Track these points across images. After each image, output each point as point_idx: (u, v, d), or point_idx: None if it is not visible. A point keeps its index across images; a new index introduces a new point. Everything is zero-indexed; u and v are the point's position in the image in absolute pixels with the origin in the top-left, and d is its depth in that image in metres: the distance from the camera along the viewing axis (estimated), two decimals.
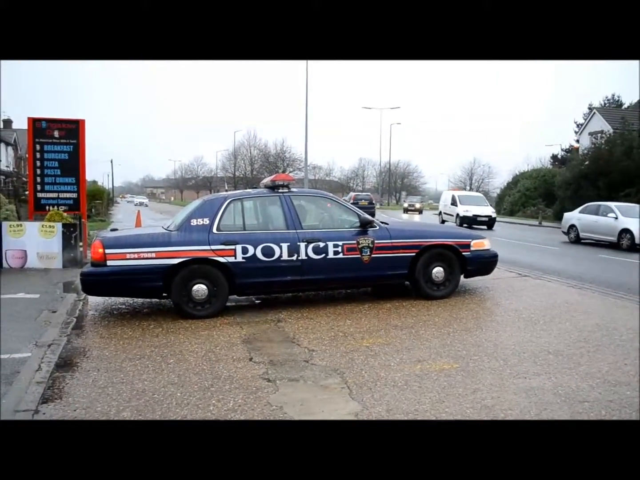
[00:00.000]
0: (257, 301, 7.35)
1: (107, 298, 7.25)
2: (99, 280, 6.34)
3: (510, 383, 4.32)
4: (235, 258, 6.50)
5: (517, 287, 8.51)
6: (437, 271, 7.42)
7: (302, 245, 6.80)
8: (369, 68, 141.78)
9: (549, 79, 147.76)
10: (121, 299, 7.21)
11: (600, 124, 38.11)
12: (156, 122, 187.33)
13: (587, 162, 30.09)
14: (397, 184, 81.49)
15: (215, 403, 3.87)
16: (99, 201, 27.34)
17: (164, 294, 6.50)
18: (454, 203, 26.32)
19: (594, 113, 40.80)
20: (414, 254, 7.30)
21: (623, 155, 27.43)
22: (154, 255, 6.29)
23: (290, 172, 51.62)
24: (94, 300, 7.21)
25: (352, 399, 3.97)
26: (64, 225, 9.97)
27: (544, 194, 37.78)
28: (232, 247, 6.51)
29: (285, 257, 6.71)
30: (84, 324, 6.05)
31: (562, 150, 53.80)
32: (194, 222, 6.60)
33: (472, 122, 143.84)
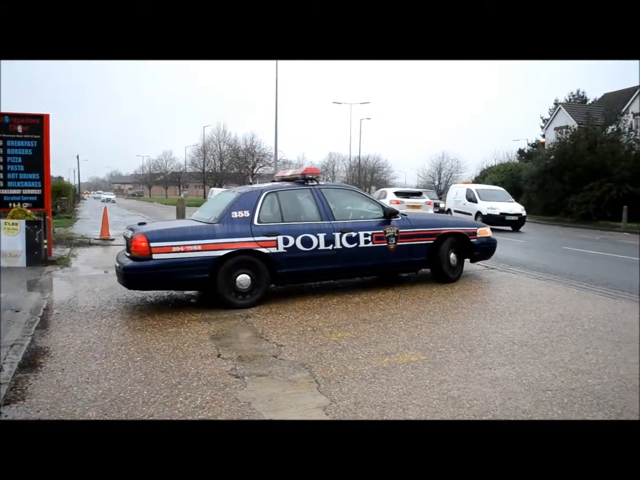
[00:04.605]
0: None
1: (72, 297, 7.14)
2: (145, 274, 6.37)
3: (476, 374, 4.39)
4: (277, 249, 6.78)
5: (484, 279, 8.65)
6: (453, 257, 8.18)
7: (337, 235, 7.20)
8: (339, 63, 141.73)
9: (517, 74, 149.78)
10: (86, 297, 7.10)
11: (565, 119, 38.90)
12: (124, 116, 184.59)
13: (552, 157, 30.64)
14: (366, 178, 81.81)
15: (182, 400, 3.84)
16: (65, 198, 26.80)
17: (208, 286, 6.60)
18: (472, 199, 22.38)
19: (560, 108, 41.63)
20: (431, 242, 8.00)
21: (587, 150, 28.00)
22: (199, 247, 6.41)
23: (260, 167, 51.30)
24: (59, 298, 7.08)
25: (320, 393, 3.99)
26: (27, 223, 9.74)
27: (511, 187, 38.44)
28: (274, 238, 6.78)
29: (322, 247, 7.08)
30: (48, 323, 5.93)
31: (528, 145, 54.78)
32: (234, 214, 6.77)
33: (441, 118, 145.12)
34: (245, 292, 6.62)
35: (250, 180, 51.79)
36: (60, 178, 51.80)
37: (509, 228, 20.59)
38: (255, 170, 51.59)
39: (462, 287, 7.92)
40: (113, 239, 14.12)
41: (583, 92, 55.21)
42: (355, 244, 7.32)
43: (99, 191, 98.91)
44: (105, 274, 8.94)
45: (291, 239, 6.87)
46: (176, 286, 6.98)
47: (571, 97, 54.56)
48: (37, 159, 10.30)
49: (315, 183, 7.66)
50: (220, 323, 5.91)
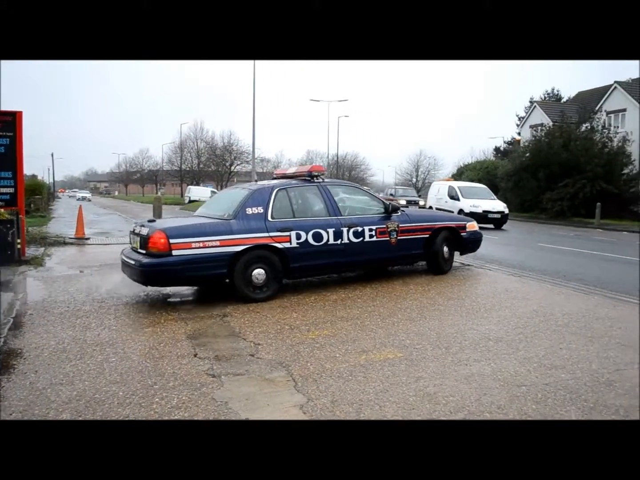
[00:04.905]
0: (202, 296, 7.26)
1: (46, 297, 7.03)
2: (164, 271, 6.42)
3: (452, 370, 4.43)
4: (290, 244, 7.04)
5: (460, 276, 8.72)
6: (445, 250, 8.73)
7: (345, 230, 7.54)
8: (316, 61, 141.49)
9: (494, 73, 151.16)
10: (60, 298, 6.99)
11: (540, 117, 39.38)
12: (99, 113, 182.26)
13: (528, 154, 31.09)
14: (345, 176, 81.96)
15: (158, 401, 3.81)
16: (39, 196, 26.32)
17: (226, 280, 6.75)
18: (453, 197, 22.22)
19: (535, 107, 42.10)
20: (427, 236, 8.48)
21: (561, 148, 28.46)
22: (218, 243, 6.56)
23: (237, 164, 50.96)
24: (33, 299, 6.97)
25: (298, 391, 3.99)
26: (0, 222, 9.58)
27: (487, 185, 38.88)
28: (287, 233, 7.04)
29: (331, 241, 7.40)
30: (21, 324, 5.83)
31: (504, 142, 55.43)
32: (249, 210, 6.96)
33: (418, 115, 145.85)
34: (261, 286, 6.82)
35: (231, 179, 51.60)
36: (34, 176, 50.98)
37: (491, 226, 20.42)
38: (233, 168, 51.29)
39: (438, 284, 7.98)
40: (88, 238, 13.95)
41: (558, 91, 56.05)
42: (361, 239, 7.67)
43: (74, 189, 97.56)
44: (80, 274, 8.82)
45: (303, 234, 7.14)
46: (195, 282, 7.12)
47: (546, 96, 55.31)
48: (10, 157, 10.10)
49: (321, 180, 7.94)
50: (197, 322, 5.87)
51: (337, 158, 59.64)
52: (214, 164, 52.70)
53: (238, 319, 5.99)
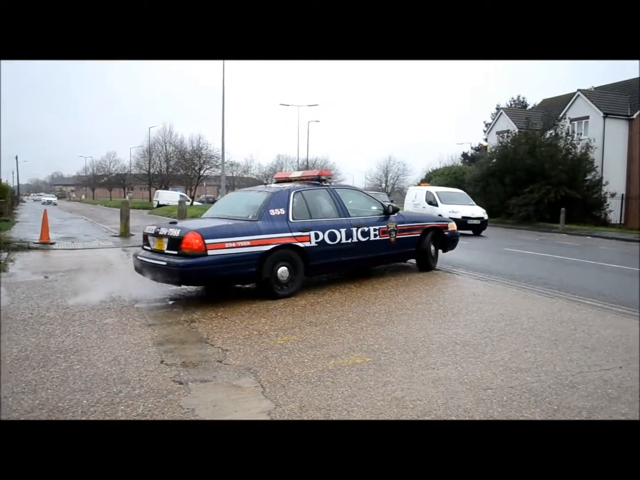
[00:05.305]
0: (170, 302, 7.18)
1: (8, 303, 6.85)
2: (201, 270, 6.65)
3: (420, 374, 4.46)
4: (310, 243, 7.54)
5: (428, 281, 8.80)
6: (432, 248, 9.59)
7: (354, 230, 8.15)
8: (286, 65, 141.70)
9: (462, 79, 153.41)
10: (23, 304, 6.83)
11: (506, 123, 40.04)
12: (65, 116, 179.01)
13: (494, 160, 31.57)
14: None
15: (123, 409, 3.75)
16: (3, 200, 25.72)
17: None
18: (431, 202, 21.36)
19: (501, 113, 42.81)
20: (419, 235, 9.28)
21: (527, 154, 29.00)
22: (248, 243, 6.92)
23: (207, 169, 50.46)
24: None
25: (265, 397, 3.97)
26: None
27: None
28: (307, 233, 7.55)
29: (344, 240, 7.99)
30: None
31: (472, 148, 56.28)
32: (272, 212, 7.41)
33: (388, 121, 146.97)
34: (285, 283, 7.29)
35: (200, 183, 51.11)
36: None
37: (470, 232, 19.82)
38: (202, 172, 50.79)
39: (406, 289, 8.04)
40: (53, 243, 13.67)
41: (523, 98, 57.17)
42: (367, 238, 8.33)
43: (39, 193, 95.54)
44: (45, 279, 8.63)
45: (321, 234, 7.69)
46: (228, 280, 7.39)
47: (512, 103, 56.37)
48: None
49: (328, 184, 8.66)
50: (164, 328, 5.80)
51: (307, 163, 59.65)
52: (183, 168, 52.04)
53: (206, 325, 5.93)
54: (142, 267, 7.20)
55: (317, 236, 7.62)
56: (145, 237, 7.61)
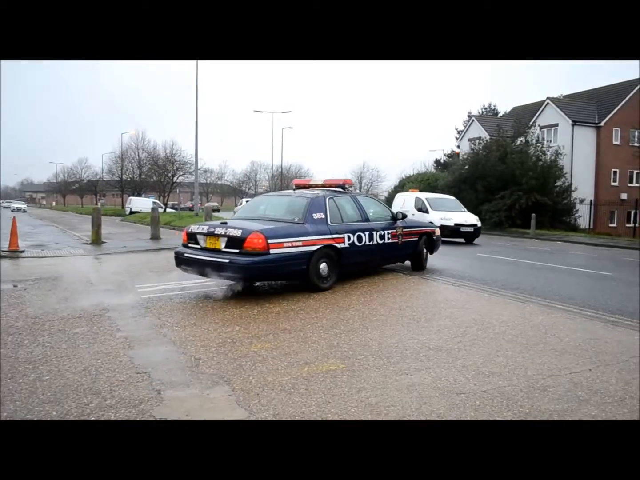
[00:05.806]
0: (142, 310, 7.08)
1: None
2: (264, 267, 7.39)
3: (393, 380, 4.48)
4: (344, 244, 8.51)
5: (401, 287, 8.86)
6: (425, 251, 10.79)
7: (374, 233, 9.20)
8: (260, 71, 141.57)
9: (435, 86, 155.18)
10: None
11: (478, 131, 40.69)
12: (35, 121, 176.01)
13: (466, 167, 31.98)
14: (289, 187, 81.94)
15: (95, 420, 3.69)
16: None
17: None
18: (421, 209, 20.08)
19: (473, 121, 43.49)
20: (416, 238, 10.46)
21: (498, 161, 29.44)
22: (301, 243, 7.79)
23: (180, 175, 49.98)
24: None
25: (239, 406, 3.94)
26: None
27: None
28: (342, 235, 8.52)
29: (367, 242, 9.03)
30: None
31: (444, 155, 56.93)
32: (315, 215, 8.31)
33: (361, 128, 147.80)
34: (326, 277, 8.20)
35: (173, 190, 50.67)
36: None
37: (462, 240, 19.15)
38: (175, 178, 50.32)
39: (380, 295, 8.08)
40: (23, 251, 13.39)
41: (494, 106, 58.10)
42: (383, 240, 9.40)
43: (9, 200, 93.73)
44: (14, 288, 8.45)
45: (351, 236, 8.69)
46: (284, 277, 8.28)
47: (483, 110, 57.24)
48: None
49: (350, 191, 9.84)
50: (136, 337, 5.72)
51: (282, 169, 59.64)
52: (156, 175, 51.41)
53: (179, 332, 5.87)
54: (192, 264, 7.80)
55: (349, 238, 8.60)
56: (192, 235, 8.13)
